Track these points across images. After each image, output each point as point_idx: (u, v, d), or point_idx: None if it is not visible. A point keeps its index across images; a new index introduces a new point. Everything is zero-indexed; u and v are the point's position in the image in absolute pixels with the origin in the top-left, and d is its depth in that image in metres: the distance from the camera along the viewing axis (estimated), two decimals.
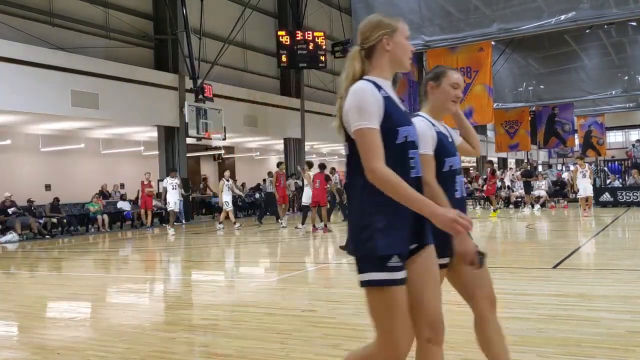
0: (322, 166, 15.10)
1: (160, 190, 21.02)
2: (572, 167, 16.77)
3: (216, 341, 4.44)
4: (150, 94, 19.69)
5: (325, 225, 14.12)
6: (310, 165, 15.41)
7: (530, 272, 7.34)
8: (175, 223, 20.14)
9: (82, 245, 14.06)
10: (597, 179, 26.90)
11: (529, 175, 22.29)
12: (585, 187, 16.86)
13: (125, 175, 22.32)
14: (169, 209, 16.34)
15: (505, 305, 5.34)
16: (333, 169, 22.48)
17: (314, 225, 14.12)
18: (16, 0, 16.71)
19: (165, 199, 16.58)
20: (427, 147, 2.57)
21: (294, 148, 26.39)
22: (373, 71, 2.35)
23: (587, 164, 17.50)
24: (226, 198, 16.60)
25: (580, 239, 11.54)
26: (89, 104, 17.49)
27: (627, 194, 21.12)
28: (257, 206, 24.34)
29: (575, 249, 9.32)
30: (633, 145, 26.76)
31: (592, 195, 17.46)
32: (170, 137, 21.00)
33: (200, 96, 19.31)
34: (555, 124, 31.98)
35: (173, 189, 16.13)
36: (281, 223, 16.51)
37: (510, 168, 33.41)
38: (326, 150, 34.15)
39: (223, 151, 25.64)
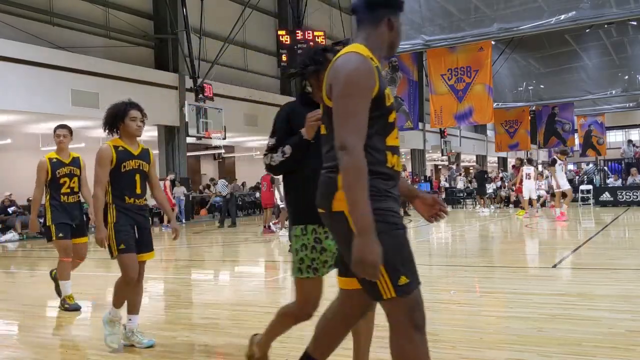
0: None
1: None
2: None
3: (217, 340, 4.45)
4: (151, 93, 19.67)
5: (266, 227, 14.69)
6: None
7: (530, 272, 7.35)
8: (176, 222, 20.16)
9: None
10: (597, 178, 26.91)
11: (482, 176, 22.00)
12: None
13: None
14: (281, 207, 13.61)
15: (506, 305, 5.35)
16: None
17: (265, 226, 14.83)
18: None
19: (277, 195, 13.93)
20: None
21: None
22: None
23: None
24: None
25: (580, 238, 11.53)
26: (89, 103, 17.47)
27: (627, 193, 21.12)
28: (257, 205, 24.33)
29: (576, 248, 9.32)
30: (633, 144, 26.82)
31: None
32: (170, 136, 21.00)
33: (201, 95, 19.30)
34: (555, 124, 32.00)
35: (279, 183, 13.53)
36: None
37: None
38: None
39: (223, 150, 25.63)
